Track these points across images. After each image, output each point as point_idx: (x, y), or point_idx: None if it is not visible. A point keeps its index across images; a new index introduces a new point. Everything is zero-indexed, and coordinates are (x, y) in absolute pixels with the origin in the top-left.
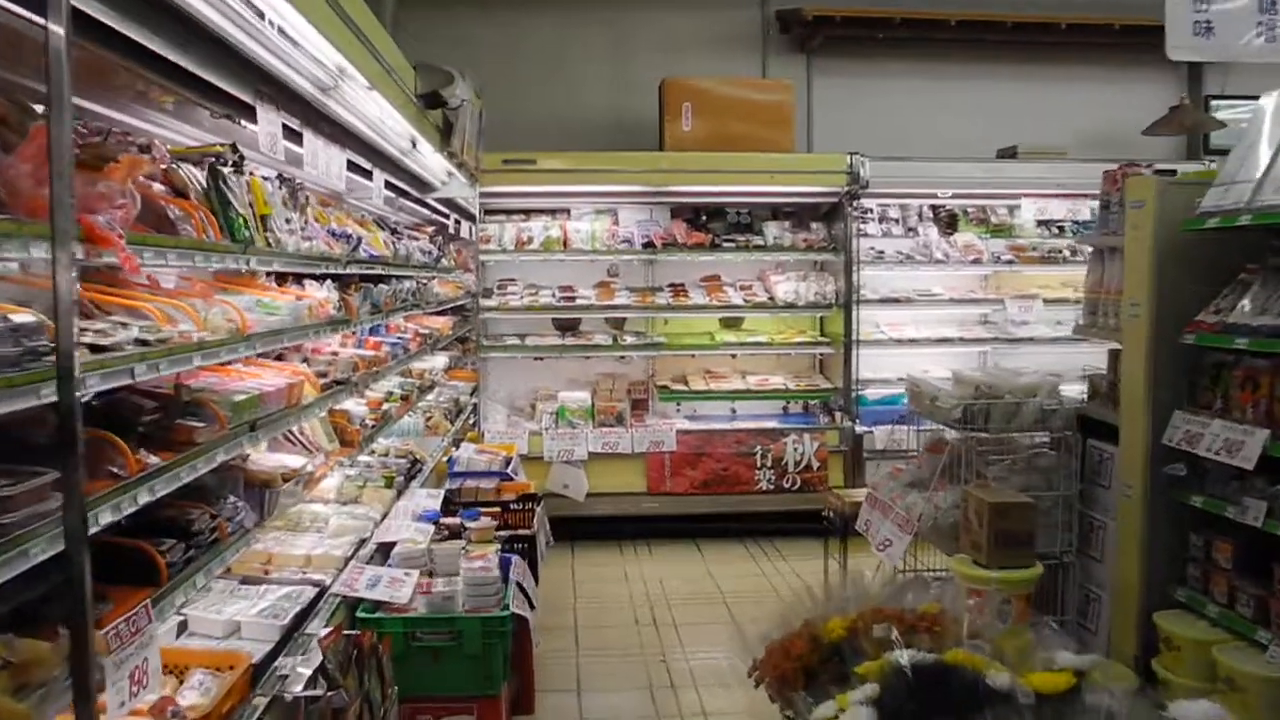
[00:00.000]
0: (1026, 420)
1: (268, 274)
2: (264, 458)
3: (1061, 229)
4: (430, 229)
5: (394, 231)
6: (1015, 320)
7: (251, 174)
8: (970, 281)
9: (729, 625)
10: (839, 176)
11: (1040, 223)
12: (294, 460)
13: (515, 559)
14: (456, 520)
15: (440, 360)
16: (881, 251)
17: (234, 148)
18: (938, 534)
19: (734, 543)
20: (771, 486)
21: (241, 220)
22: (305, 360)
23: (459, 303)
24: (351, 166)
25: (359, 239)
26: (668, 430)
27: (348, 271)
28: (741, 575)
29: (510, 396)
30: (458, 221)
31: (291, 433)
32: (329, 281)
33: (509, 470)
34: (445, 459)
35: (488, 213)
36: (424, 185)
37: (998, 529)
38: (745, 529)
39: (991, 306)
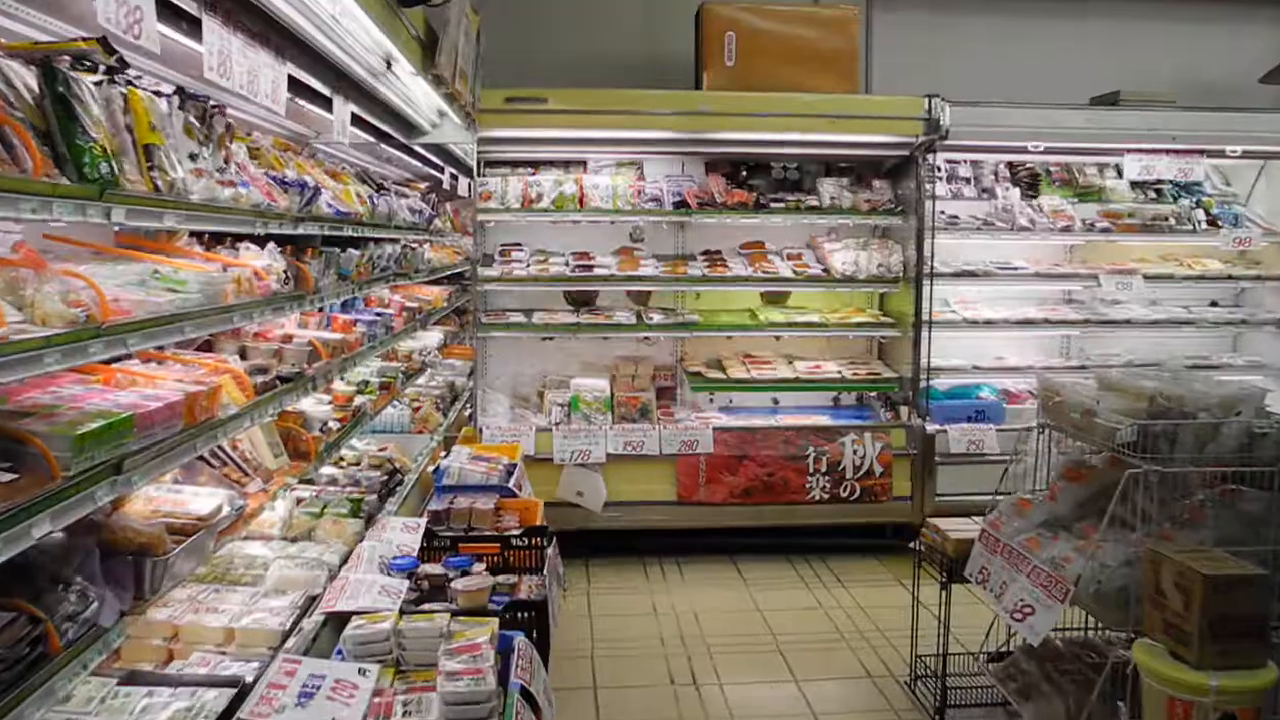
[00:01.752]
0: (1226, 447)
1: (199, 236)
2: (159, 498)
3: (1159, 192)
4: (423, 185)
5: (379, 188)
6: (1105, 299)
7: (131, 85)
8: (1054, 253)
9: (789, 687)
10: (913, 124)
11: (1134, 185)
12: (206, 501)
13: (519, 642)
14: (439, 570)
15: (433, 337)
16: (955, 217)
17: (106, 45)
18: (1101, 602)
19: (780, 561)
20: (826, 496)
21: (95, 150)
22: (242, 351)
23: (458, 269)
24: (308, 93)
25: (316, 189)
26: (702, 428)
27: (304, 232)
28: (795, 608)
29: (513, 383)
30: (454, 176)
31: (221, 449)
32: (272, 245)
33: (511, 483)
34: (432, 468)
35: (489, 164)
36: (410, 128)
37: (1215, 612)
38: (793, 544)
39: (1080, 282)
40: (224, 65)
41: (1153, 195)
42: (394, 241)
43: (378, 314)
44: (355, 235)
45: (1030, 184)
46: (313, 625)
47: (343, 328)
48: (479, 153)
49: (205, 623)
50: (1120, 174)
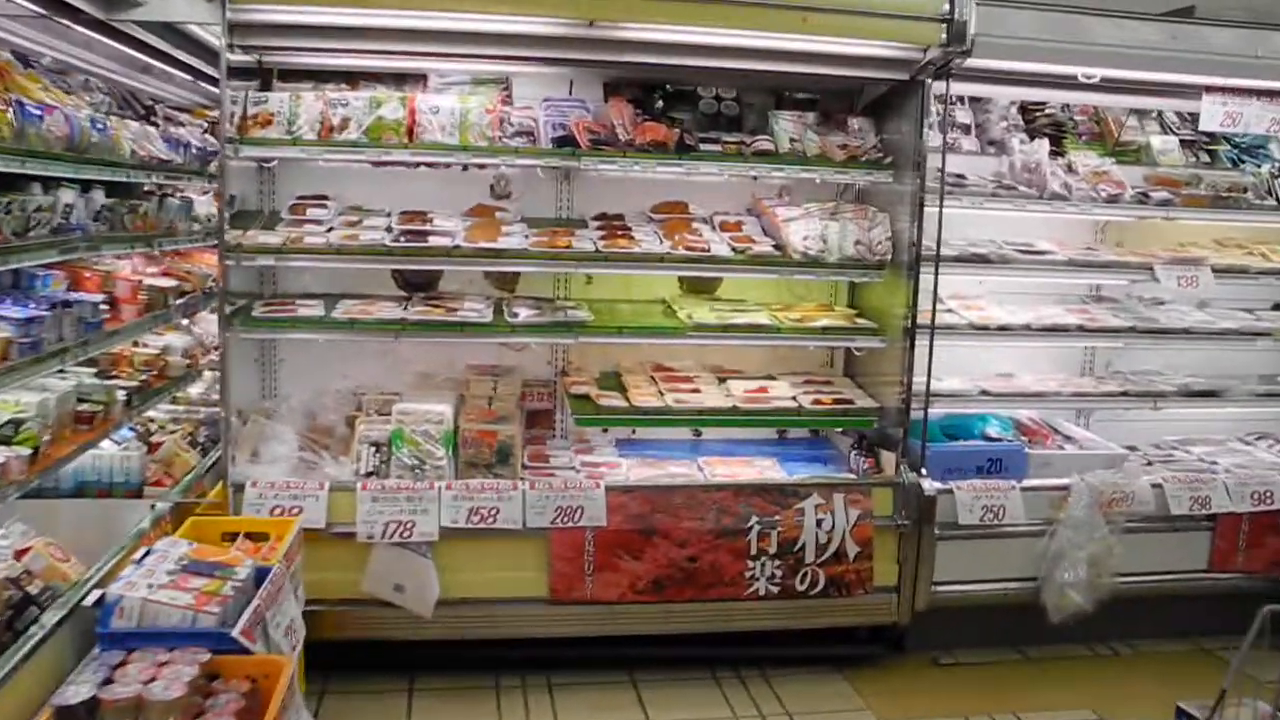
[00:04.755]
0: None
1: None
2: None
3: (1211, 154)
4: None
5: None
6: (1144, 298)
7: None
8: (1080, 233)
9: None
10: (924, 29)
11: (1185, 144)
12: None
13: None
14: None
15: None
16: (961, 177)
17: None
18: None
19: (702, 681)
20: (775, 589)
21: None
22: None
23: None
24: None
25: None
26: (589, 489)
27: None
28: None
29: (311, 406)
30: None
31: None
32: None
33: (244, 617)
34: (114, 578)
35: (282, 76)
36: None
37: None
38: (722, 655)
39: (1129, 274)
40: None
41: (1205, 159)
42: (98, 185)
43: (61, 303)
44: None
45: (1054, 136)
46: None
47: None
48: (256, 51)
49: None
50: (1164, 127)
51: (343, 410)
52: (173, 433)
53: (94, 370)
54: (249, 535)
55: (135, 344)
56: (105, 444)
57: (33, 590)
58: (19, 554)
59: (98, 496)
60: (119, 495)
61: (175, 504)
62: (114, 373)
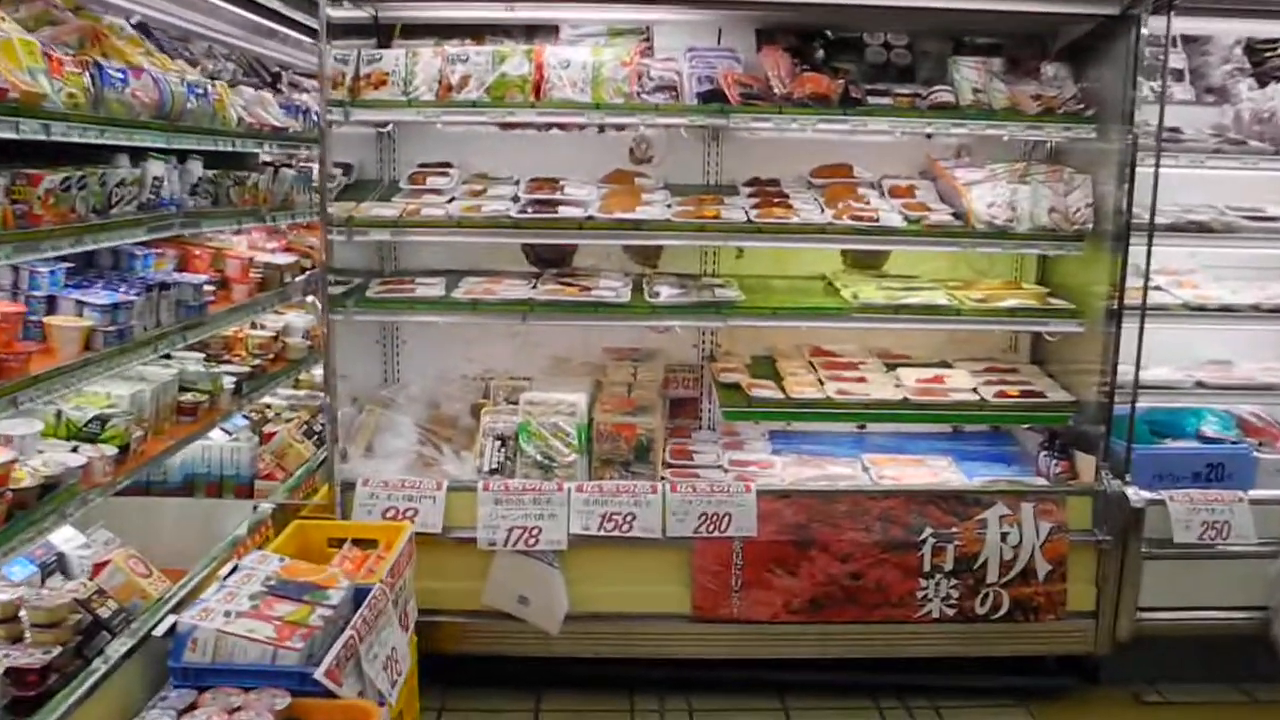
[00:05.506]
0: None
1: None
2: None
3: None
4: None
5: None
6: None
7: None
8: None
9: None
10: None
11: None
12: None
13: None
14: None
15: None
16: (1176, 131)
17: None
18: None
19: (860, 708)
20: (951, 611)
21: None
22: None
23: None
24: None
25: None
26: (737, 493)
27: None
28: None
29: (432, 393)
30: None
31: None
32: None
33: (335, 650)
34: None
35: (387, 31)
36: None
37: None
38: (885, 682)
39: None
40: None
41: None
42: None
43: (159, 285)
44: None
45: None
46: None
47: None
48: (370, 4)
49: None
50: None
51: (468, 398)
52: (288, 421)
53: (203, 355)
54: (356, 542)
55: (254, 325)
56: (215, 434)
57: (104, 613)
58: (97, 568)
59: (207, 491)
60: (229, 489)
61: (278, 506)
62: (227, 357)
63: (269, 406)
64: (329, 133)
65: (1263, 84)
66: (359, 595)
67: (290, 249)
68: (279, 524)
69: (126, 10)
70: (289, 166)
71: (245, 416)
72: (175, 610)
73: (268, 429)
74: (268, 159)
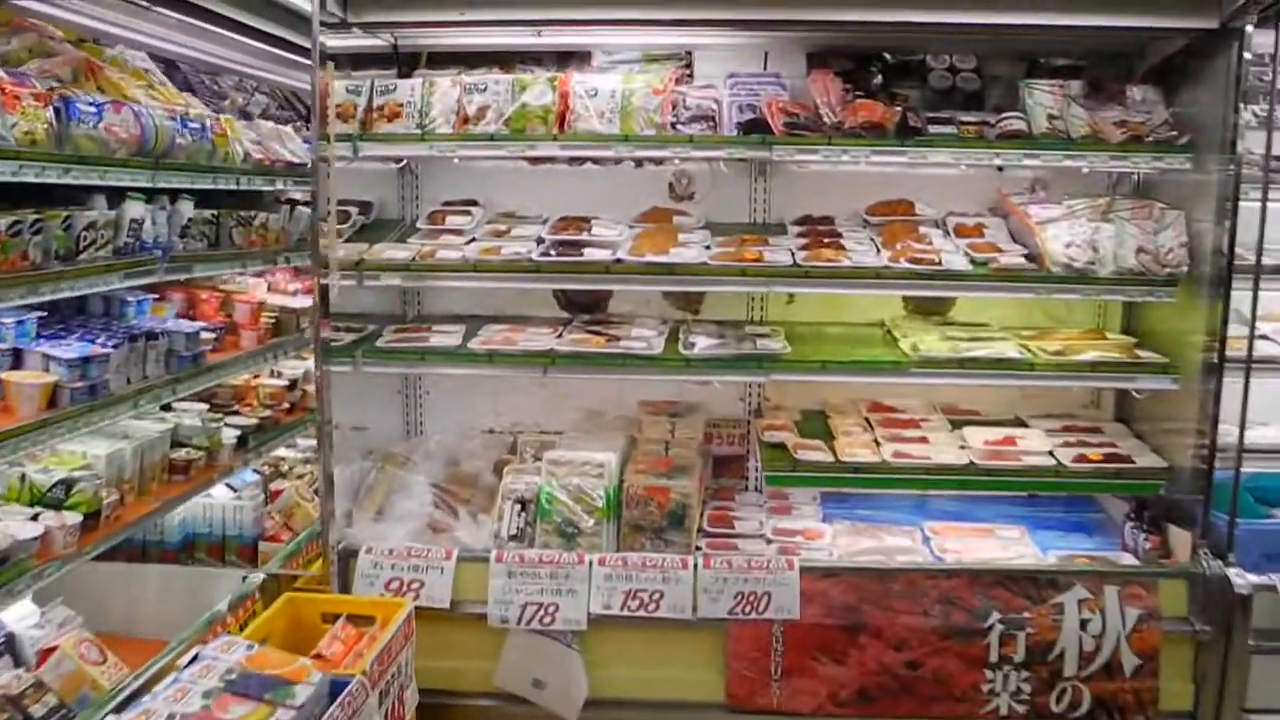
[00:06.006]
0: None
1: None
2: None
3: None
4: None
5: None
6: None
7: None
8: None
9: None
10: None
11: None
12: None
13: None
14: None
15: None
16: None
17: None
18: None
19: None
20: (1022, 709)
21: None
22: None
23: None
24: None
25: None
26: (779, 569)
27: None
28: None
29: (452, 449)
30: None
31: None
32: None
33: None
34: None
35: (411, 60)
36: None
37: None
38: None
39: None
40: None
41: None
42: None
43: (146, 334)
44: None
45: None
46: None
47: None
48: (387, 30)
49: None
50: None
51: (491, 454)
52: (300, 477)
53: (207, 407)
54: (351, 618)
55: (272, 373)
56: (219, 491)
57: (37, 711)
58: (43, 655)
59: (208, 552)
60: (231, 550)
61: (269, 576)
62: (236, 407)
63: (283, 460)
64: (323, 168)
65: None
66: (335, 689)
67: (310, 290)
68: (270, 596)
69: (150, 47)
70: (309, 204)
71: (257, 471)
72: (118, 710)
73: (276, 485)
74: (295, 196)
